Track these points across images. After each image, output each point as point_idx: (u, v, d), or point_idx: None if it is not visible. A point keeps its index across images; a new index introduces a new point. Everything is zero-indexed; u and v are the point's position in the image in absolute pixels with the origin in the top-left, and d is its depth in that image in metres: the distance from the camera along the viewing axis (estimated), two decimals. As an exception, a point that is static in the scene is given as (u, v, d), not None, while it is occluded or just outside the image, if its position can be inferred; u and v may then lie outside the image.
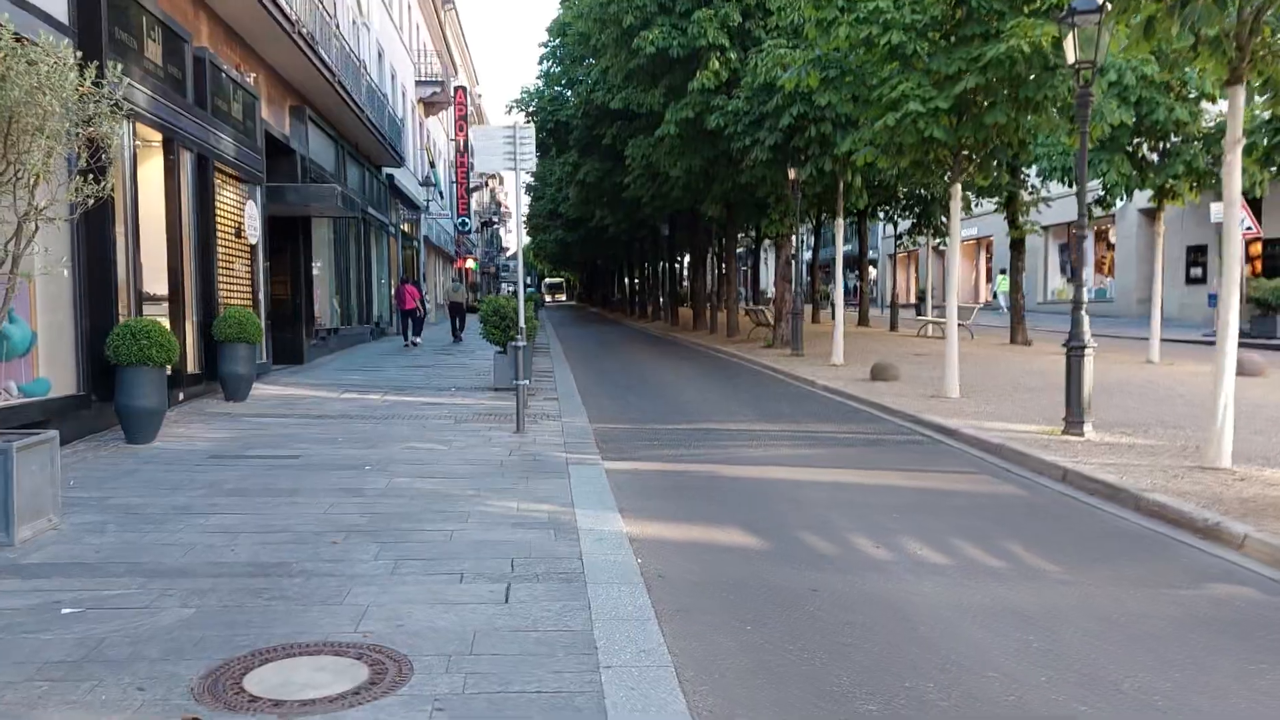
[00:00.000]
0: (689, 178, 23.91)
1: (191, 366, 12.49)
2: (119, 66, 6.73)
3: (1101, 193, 19.57)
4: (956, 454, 9.67)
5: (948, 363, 13.09)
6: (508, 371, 14.63)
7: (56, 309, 9.23)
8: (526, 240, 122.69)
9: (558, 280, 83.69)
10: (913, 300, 52.78)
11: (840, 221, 18.90)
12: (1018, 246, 23.12)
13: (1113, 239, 36.53)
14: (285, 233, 18.77)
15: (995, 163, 13.87)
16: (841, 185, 17.98)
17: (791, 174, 19.95)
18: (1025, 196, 22.75)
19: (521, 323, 14.24)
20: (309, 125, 19.65)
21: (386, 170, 29.98)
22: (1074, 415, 9.74)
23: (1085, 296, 9.98)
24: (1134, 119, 15.03)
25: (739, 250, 54.04)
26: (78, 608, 4.87)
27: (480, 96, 69.57)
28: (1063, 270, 41.56)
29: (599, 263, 77.66)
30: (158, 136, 11.71)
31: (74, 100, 5.98)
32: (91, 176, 6.40)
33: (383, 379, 16.50)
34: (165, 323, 11.69)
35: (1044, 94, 11.41)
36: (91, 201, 6.33)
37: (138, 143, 11.43)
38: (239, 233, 14.82)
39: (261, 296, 15.65)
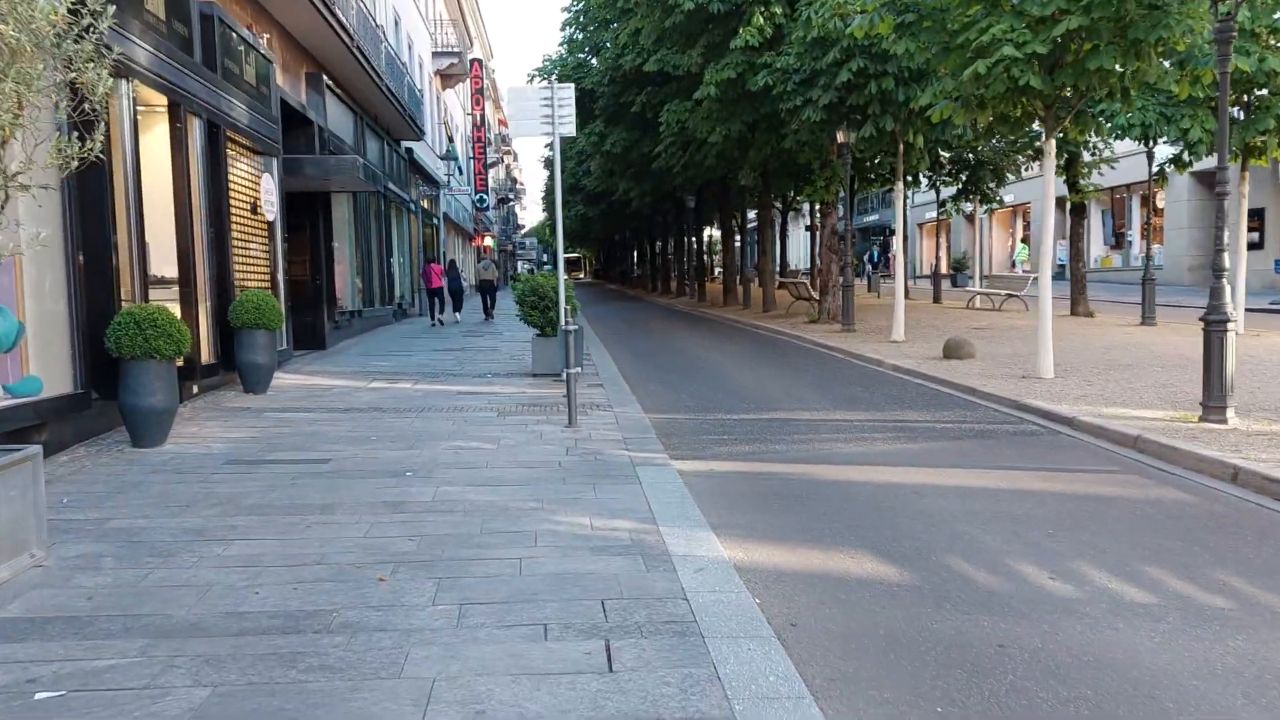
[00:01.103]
0: (725, 145, 22.59)
1: (206, 356, 11.35)
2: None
3: (1177, 151, 18.19)
4: (1085, 448, 8.42)
5: (1041, 339, 11.84)
6: (549, 357, 13.50)
7: (48, 296, 8.08)
8: (541, 217, 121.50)
9: (574, 256, 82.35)
10: (943, 270, 51.31)
11: (900, 186, 17.53)
12: (1078, 211, 21.71)
13: (1160, 204, 34.97)
14: (303, 209, 17.60)
15: (1094, 114, 12.48)
16: (901, 147, 16.61)
17: (840, 136, 18.63)
18: (1087, 157, 21.29)
19: (563, 304, 13.12)
20: (327, 94, 18.43)
21: (405, 144, 28.75)
22: (1214, 400, 8.49)
23: (1225, 263, 8.64)
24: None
25: (755, 223, 52.74)
26: (57, 690, 3.73)
27: (494, 71, 68.09)
28: (1107, 239, 40.01)
29: (616, 238, 76.28)
30: (162, 101, 10.53)
31: (49, 36, 4.78)
32: (76, 135, 5.22)
33: (412, 365, 15.35)
34: (175, 309, 10.57)
35: (1157, 35, 10.06)
36: (75, 164, 5.15)
37: (140, 108, 10.26)
38: (255, 209, 13.65)
39: (280, 278, 14.50)
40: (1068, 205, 22.54)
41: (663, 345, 19.25)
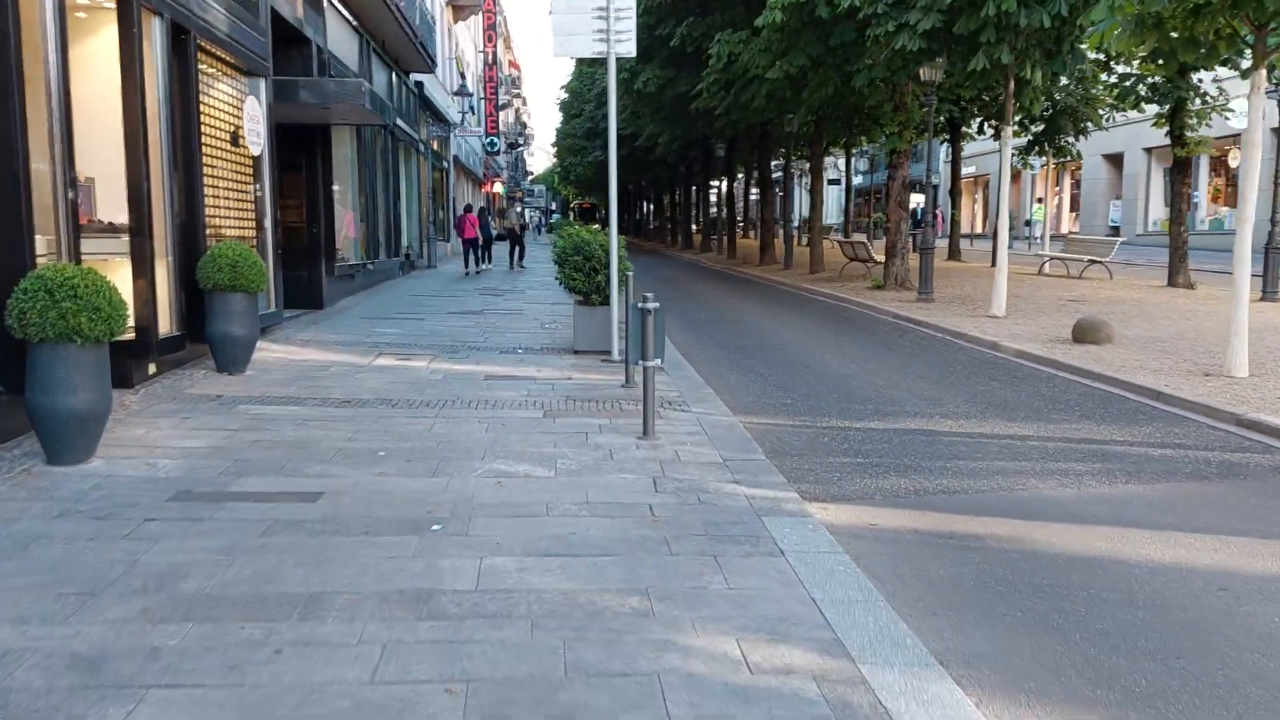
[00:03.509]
0: (776, 84, 19.89)
1: (166, 325, 8.88)
2: None
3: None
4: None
5: (1235, 327, 9.37)
6: (595, 330, 11.07)
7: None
8: (549, 164, 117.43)
9: (590, 205, 79.32)
10: (980, 230, 48.56)
11: (1009, 131, 14.85)
12: (1182, 168, 19.04)
13: (1233, 163, 32.16)
14: (299, 145, 15.04)
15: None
16: (1012, 84, 13.95)
17: (925, 74, 15.97)
18: (1191, 105, 18.59)
19: (615, 269, 10.66)
20: (327, 10, 15.75)
21: (415, 77, 26.01)
22: None
23: None
24: None
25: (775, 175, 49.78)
26: None
27: (504, 10, 64.75)
28: (1168, 198, 37.26)
29: (630, 187, 73.26)
30: (107, -11, 7.97)
31: None
32: None
33: (425, 333, 12.88)
34: (119, 267, 8.10)
35: None
36: None
37: (78, -1, 7.74)
38: (236, 139, 11.09)
39: (268, 224, 11.97)
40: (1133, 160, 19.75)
41: (716, 314, 16.71)
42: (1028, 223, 38.27)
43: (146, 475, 5.90)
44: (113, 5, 8.10)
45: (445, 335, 12.67)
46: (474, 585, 4.26)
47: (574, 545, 4.79)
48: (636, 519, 5.22)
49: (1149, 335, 12.16)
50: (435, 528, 5.02)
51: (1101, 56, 16.38)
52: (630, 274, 9.27)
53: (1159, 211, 36.93)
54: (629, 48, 10.42)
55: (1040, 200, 42.72)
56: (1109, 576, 4.71)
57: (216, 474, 5.95)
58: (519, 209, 32.46)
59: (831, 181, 45.48)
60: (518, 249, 27.36)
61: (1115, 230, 37.48)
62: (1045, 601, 4.41)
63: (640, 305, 7.14)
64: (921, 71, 15.81)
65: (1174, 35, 9.37)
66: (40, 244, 6.77)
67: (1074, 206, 42.89)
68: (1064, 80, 20.37)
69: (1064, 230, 41.50)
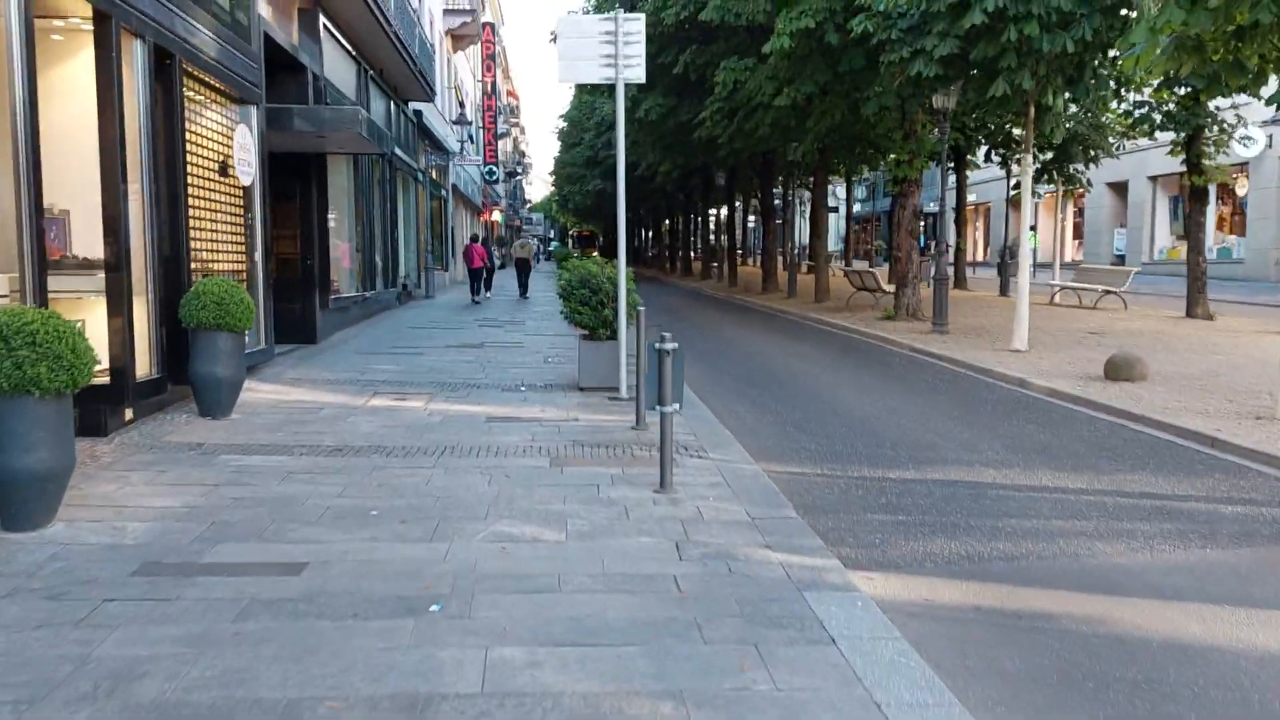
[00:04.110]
0: (780, 113, 19.44)
1: (144, 368, 8.28)
2: None
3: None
4: None
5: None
6: (601, 366, 10.50)
7: None
8: (547, 193, 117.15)
9: (589, 233, 78.94)
10: (981, 258, 48.13)
11: (1029, 159, 14.33)
12: (1199, 196, 18.52)
13: (1240, 191, 31.76)
14: (293, 174, 14.51)
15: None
16: (1032, 111, 13.45)
17: (938, 101, 15.50)
18: (1209, 132, 18.10)
19: (623, 302, 10.10)
20: (324, 37, 15.28)
21: (414, 106, 25.58)
22: None
23: None
24: None
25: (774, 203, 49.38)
26: None
27: (503, 41, 64.61)
28: (1174, 226, 36.85)
29: (629, 215, 72.90)
30: (84, 7, 7.43)
31: None
32: None
33: (423, 369, 12.29)
34: (94, 305, 7.53)
35: None
36: None
37: (55, 21, 7.20)
38: (225, 169, 10.54)
39: (259, 256, 11.40)
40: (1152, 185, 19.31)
41: (724, 345, 16.12)
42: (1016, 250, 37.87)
43: (111, 542, 5.29)
44: (89, 28, 7.56)
45: (444, 371, 12.08)
46: (479, 687, 3.65)
47: (592, 630, 4.18)
48: (661, 594, 4.61)
49: (1182, 371, 11.59)
50: (434, 608, 4.42)
51: (1112, 83, 15.88)
52: (641, 309, 8.68)
53: (1165, 240, 36.54)
54: (638, 73, 9.91)
55: (1033, 228, 42.35)
56: (1211, 669, 4.10)
57: (190, 540, 5.34)
58: (527, 238, 32.39)
59: (830, 209, 45.02)
60: (524, 277, 27.71)
61: (1120, 259, 37.06)
62: (1146, 703, 3.80)
63: (657, 345, 6.56)
64: (934, 99, 15.34)
65: (1215, 59, 8.85)
66: (0, 283, 6.19)
67: (1077, 234, 42.49)
68: (1073, 108, 19.98)
69: (1067, 259, 41.07)
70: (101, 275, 7.71)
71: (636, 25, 9.80)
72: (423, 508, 6.02)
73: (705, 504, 6.19)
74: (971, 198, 44.07)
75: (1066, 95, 13.23)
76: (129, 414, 8.08)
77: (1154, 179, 35.73)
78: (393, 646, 3.99)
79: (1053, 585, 5.05)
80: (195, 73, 9.48)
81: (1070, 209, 42.71)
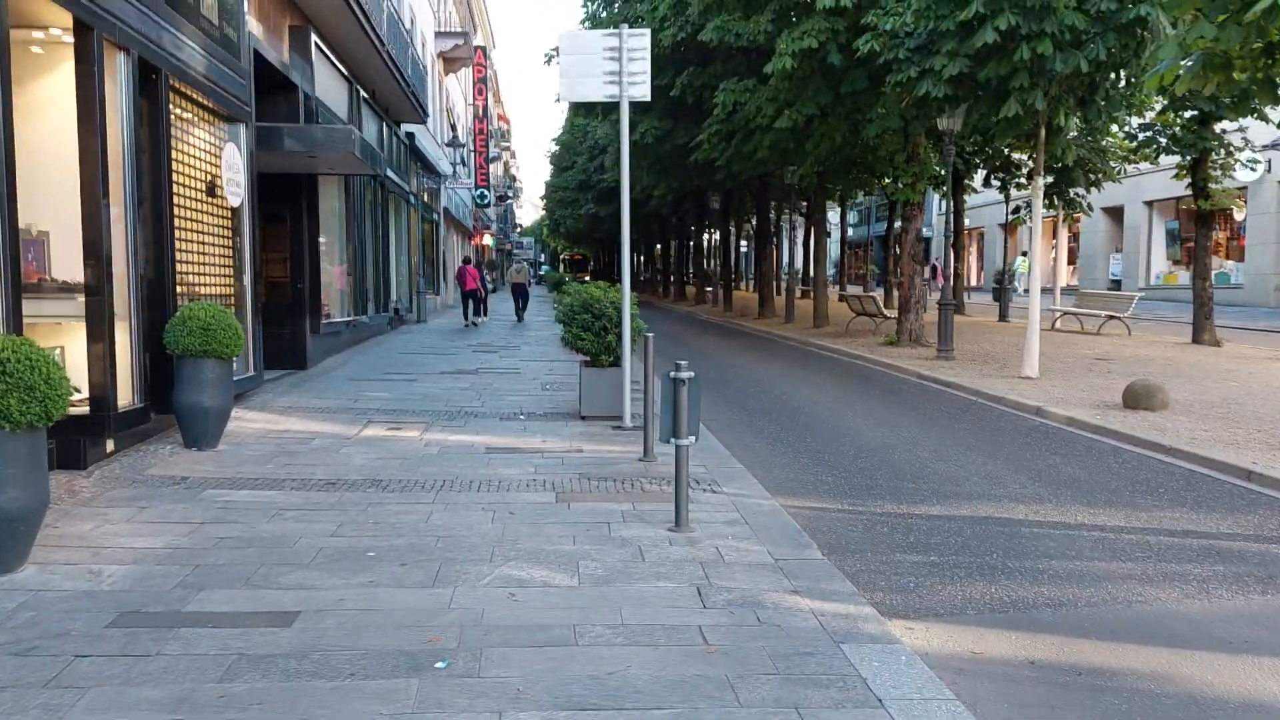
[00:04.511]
0: (779, 135, 19.20)
1: (126, 397, 7.86)
2: None
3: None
4: None
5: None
6: (603, 394, 10.13)
7: None
8: (537, 216, 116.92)
9: (581, 257, 78.68)
10: (975, 283, 47.95)
11: (1039, 182, 14.03)
12: (1205, 221, 18.27)
13: (1238, 215, 31.61)
14: (283, 196, 14.12)
15: None
16: (1043, 133, 13.16)
17: (942, 123, 15.24)
18: (1216, 156, 17.87)
19: (627, 327, 9.75)
20: (315, 55, 14.93)
21: (406, 128, 25.27)
22: None
23: None
24: None
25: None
26: None
27: (495, 64, 64.50)
28: (1170, 252, 36.70)
29: (620, 239, 72.64)
30: (64, 19, 7.07)
31: None
32: None
33: (418, 396, 11.88)
34: (73, 331, 7.13)
35: None
36: None
37: (35, 33, 6.85)
38: (213, 189, 10.16)
39: (248, 280, 11.00)
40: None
41: (727, 372, 15.74)
42: (1010, 276, 37.58)
43: (87, 588, 4.87)
44: (70, 40, 7.20)
45: (439, 399, 11.67)
46: (496, 764, 3.24)
47: (615, 691, 3.78)
48: (687, 648, 4.22)
49: (1201, 399, 11.26)
50: (439, 665, 4.01)
51: (1124, 104, 15.64)
52: (649, 335, 8.30)
53: (1161, 265, 36.38)
54: (643, 90, 9.58)
55: (1024, 254, 42.12)
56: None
57: (172, 586, 4.92)
58: (522, 264, 32.53)
59: (824, 234, 44.81)
60: (521, 301, 27.70)
61: (1116, 284, 36.88)
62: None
63: (672, 374, 6.18)
64: (939, 121, 15.08)
65: (1240, 77, 8.56)
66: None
67: (1071, 260, 42.33)
68: (1072, 133, 19.75)
69: (1062, 284, 40.89)
70: (82, 299, 7.30)
71: (641, 40, 9.48)
72: (423, 548, 5.62)
73: (724, 544, 5.80)
74: (966, 222, 43.94)
75: (1077, 116, 12.95)
76: (110, 445, 7.66)
77: (1150, 204, 35.63)
78: (395, 712, 3.59)
79: (1107, 636, 4.67)
80: (182, 88, 9.12)
81: (1065, 234, 42.57)
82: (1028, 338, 13.40)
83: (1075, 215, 29.31)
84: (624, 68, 9.50)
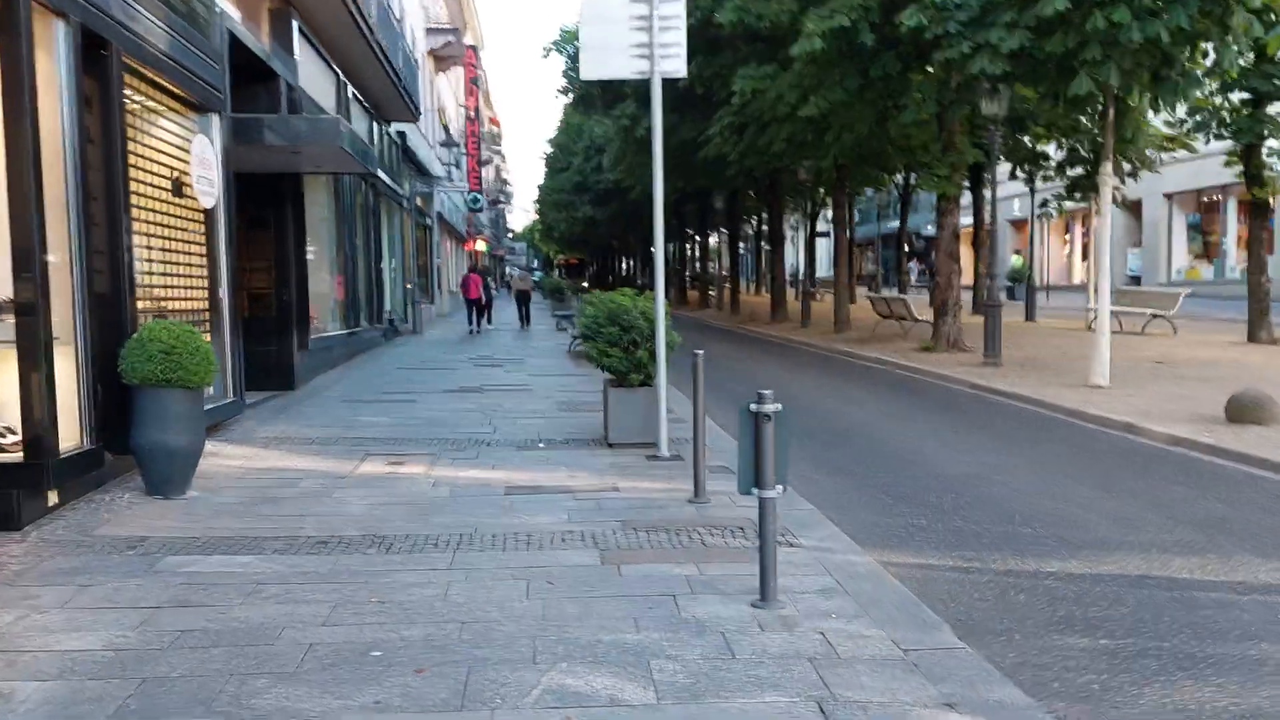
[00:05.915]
0: (799, 127, 17.91)
1: (72, 438, 6.50)
2: None
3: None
4: None
5: None
6: (634, 419, 8.86)
7: None
8: (529, 221, 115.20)
9: (577, 262, 77.23)
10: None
11: (1108, 166, 12.68)
12: (1261, 212, 17.01)
13: (1275, 205, 30.30)
14: (266, 199, 12.77)
15: None
16: (1112, 113, 11.85)
17: (986, 107, 13.96)
18: (1273, 141, 16.59)
19: (662, 341, 8.43)
20: (299, 42, 13.59)
21: (397, 127, 23.92)
22: None
23: None
24: None
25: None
26: None
27: (483, 66, 63.11)
28: (1192, 246, 35.48)
29: (615, 243, 71.23)
30: (-19, -23, 5.72)
31: None
32: None
33: (419, 420, 10.54)
34: (2, 359, 5.78)
35: None
36: None
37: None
38: (180, 188, 8.80)
39: (225, 293, 9.65)
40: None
41: (750, 384, 14.38)
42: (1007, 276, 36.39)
43: (-16, 725, 3.51)
44: (-6, 2, 5.84)
45: (444, 423, 10.33)
46: None
47: None
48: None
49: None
50: None
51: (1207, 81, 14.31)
52: (699, 353, 6.98)
53: (1182, 260, 35.18)
54: (678, 65, 8.28)
55: (1017, 252, 40.94)
56: None
57: (107, 715, 3.57)
58: (523, 272, 32.36)
59: (820, 234, 43.43)
60: (524, 309, 27.20)
61: (1135, 279, 35.67)
62: None
63: (754, 408, 4.86)
64: (982, 104, 13.78)
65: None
66: None
67: (1085, 255, 41.12)
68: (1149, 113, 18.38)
69: (1075, 280, 39.69)
70: (11, 320, 5.94)
71: (676, 7, 8.18)
72: (444, 643, 4.27)
73: (829, 626, 4.48)
74: (968, 220, 42.71)
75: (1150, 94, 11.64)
76: (53, 498, 6.30)
77: (1169, 196, 34.40)
78: None
79: None
80: (140, 69, 7.76)
81: (1078, 229, 41.40)
82: (1096, 343, 12.09)
83: (1087, 209, 28.08)
84: (654, 39, 8.19)
